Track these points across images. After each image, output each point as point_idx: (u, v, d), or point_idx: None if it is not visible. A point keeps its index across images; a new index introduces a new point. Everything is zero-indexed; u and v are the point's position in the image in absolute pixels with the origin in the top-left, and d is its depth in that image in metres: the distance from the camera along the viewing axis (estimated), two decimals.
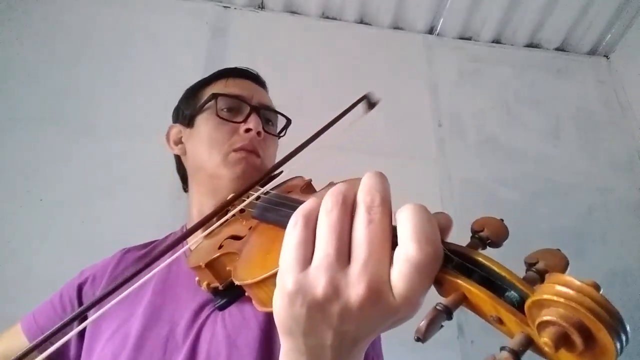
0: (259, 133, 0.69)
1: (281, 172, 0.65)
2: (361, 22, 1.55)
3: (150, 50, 1.32)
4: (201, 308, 0.58)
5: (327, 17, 1.53)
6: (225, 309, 0.56)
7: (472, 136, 1.44)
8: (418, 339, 0.25)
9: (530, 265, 0.27)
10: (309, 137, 0.52)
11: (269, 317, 0.54)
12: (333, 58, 1.45)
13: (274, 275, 0.34)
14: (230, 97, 0.71)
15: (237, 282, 0.40)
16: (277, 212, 0.47)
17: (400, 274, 0.26)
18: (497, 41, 1.62)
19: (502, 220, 0.30)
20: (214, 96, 0.71)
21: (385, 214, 0.28)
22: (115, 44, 1.31)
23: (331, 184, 0.57)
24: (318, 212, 0.30)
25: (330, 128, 0.53)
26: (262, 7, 1.49)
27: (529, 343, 0.23)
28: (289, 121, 0.82)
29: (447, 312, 0.25)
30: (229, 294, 0.52)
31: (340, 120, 0.54)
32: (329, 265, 0.27)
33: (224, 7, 1.45)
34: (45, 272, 1.02)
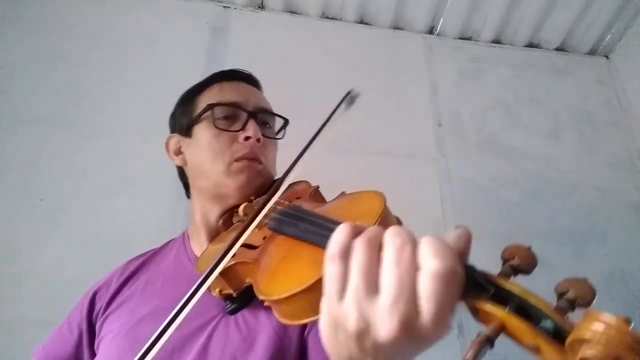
0: (258, 140, 0.70)
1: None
2: (361, 22, 1.55)
3: (150, 50, 1.32)
4: (208, 311, 0.59)
5: (327, 17, 1.53)
6: (237, 313, 0.57)
7: (472, 136, 1.44)
8: None
9: (561, 295, 0.29)
10: (306, 143, 0.53)
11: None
12: (333, 58, 1.45)
13: (301, 292, 0.39)
14: (226, 105, 0.72)
15: (261, 298, 0.43)
16: (296, 226, 0.49)
17: (427, 292, 0.28)
18: (497, 41, 1.62)
19: (529, 248, 0.32)
20: (210, 107, 0.71)
21: (413, 254, 0.30)
22: (115, 44, 1.31)
23: (342, 194, 0.60)
24: (350, 244, 0.33)
25: (325, 127, 0.54)
26: (262, 7, 1.49)
27: None
28: (286, 122, 0.82)
29: (490, 342, 0.28)
30: (241, 299, 0.54)
31: (331, 120, 0.55)
32: (359, 298, 0.30)
33: (224, 7, 1.45)
34: (45, 272, 1.02)
